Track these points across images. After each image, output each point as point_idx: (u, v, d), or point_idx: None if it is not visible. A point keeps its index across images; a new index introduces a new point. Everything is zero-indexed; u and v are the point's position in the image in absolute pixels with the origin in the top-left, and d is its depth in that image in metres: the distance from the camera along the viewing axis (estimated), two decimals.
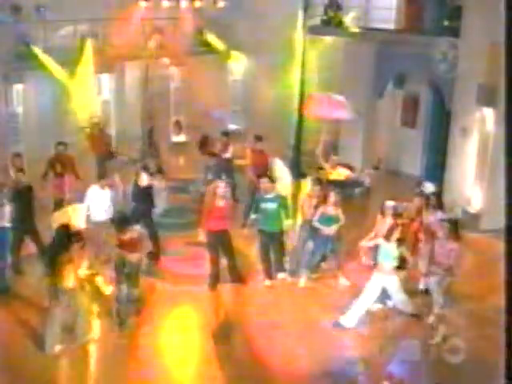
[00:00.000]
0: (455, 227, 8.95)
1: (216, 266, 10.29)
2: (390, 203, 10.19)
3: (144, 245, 9.19)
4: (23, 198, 10.35)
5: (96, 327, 8.88)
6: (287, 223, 10.56)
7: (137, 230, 9.10)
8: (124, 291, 9.10)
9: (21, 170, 10.97)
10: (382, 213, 10.19)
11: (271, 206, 10.37)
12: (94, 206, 10.65)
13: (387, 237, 9.07)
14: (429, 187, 11.64)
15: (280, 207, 10.37)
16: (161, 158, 15.78)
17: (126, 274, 9.04)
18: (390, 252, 9.00)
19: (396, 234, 8.99)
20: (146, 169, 11.77)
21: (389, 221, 9.94)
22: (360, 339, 8.93)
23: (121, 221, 9.46)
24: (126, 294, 9.12)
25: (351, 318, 9.11)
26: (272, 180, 10.75)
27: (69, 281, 8.19)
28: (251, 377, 8.11)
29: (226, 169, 13.96)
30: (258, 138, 13.68)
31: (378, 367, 8.28)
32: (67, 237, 8.34)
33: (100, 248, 10.40)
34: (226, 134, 14.93)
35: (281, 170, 13.02)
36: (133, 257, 9.00)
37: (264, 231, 10.47)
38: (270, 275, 10.54)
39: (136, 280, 9.22)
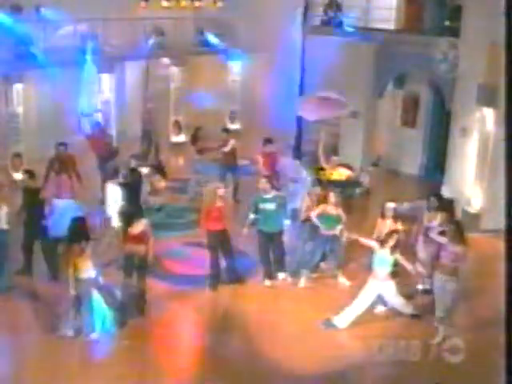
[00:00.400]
0: (458, 229, 8.86)
1: (216, 267, 10.29)
2: (390, 205, 10.16)
3: (150, 238, 9.26)
4: (32, 201, 10.35)
5: (98, 326, 8.87)
6: (286, 223, 10.58)
7: (144, 223, 9.22)
8: (131, 288, 9.21)
9: (27, 172, 10.97)
10: (383, 215, 10.15)
11: (270, 206, 10.36)
12: (114, 204, 10.72)
13: (383, 242, 9.01)
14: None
15: (279, 207, 10.38)
16: (160, 158, 15.78)
17: (136, 267, 9.17)
18: (384, 258, 8.94)
19: (392, 241, 8.91)
20: (128, 167, 11.73)
21: (389, 223, 9.92)
22: (359, 339, 8.91)
23: (129, 215, 9.55)
24: (133, 291, 9.22)
25: (344, 319, 9.09)
26: (270, 180, 10.78)
27: (78, 274, 8.37)
28: (251, 376, 8.11)
29: (231, 167, 13.96)
30: (269, 141, 13.61)
31: (378, 367, 8.28)
32: (79, 230, 8.51)
33: (108, 246, 10.46)
34: (227, 130, 14.91)
35: (298, 170, 13.02)
36: (140, 249, 9.08)
37: (263, 231, 10.46)
38: (269, 275, 10.54)
39: (144, 273, 9.30)
